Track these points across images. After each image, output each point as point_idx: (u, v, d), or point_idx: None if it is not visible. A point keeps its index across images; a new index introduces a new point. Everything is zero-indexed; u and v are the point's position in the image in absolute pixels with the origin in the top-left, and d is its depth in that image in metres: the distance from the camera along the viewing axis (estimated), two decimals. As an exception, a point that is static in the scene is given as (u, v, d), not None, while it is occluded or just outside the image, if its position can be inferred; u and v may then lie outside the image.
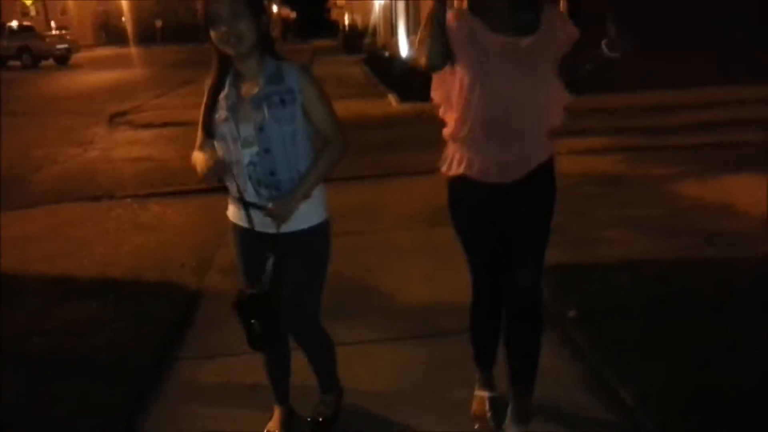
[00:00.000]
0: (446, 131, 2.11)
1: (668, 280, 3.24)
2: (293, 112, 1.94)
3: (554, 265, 3.46)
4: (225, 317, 2.54)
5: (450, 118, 2.07)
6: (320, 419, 2.32)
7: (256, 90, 1.93)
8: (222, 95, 1.96)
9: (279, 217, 1.95)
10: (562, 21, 2.03)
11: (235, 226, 2.10)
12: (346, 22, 37.47)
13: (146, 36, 40.95)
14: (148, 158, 7.46)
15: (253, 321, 1.95)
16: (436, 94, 2.11)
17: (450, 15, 1.94)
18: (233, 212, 2.10)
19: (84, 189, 6.13)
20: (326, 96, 2.02)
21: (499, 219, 2.13)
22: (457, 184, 2.12)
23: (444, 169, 2.15)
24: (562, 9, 9.58)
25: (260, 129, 1.92)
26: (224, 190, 2.08)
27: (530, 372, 2.24)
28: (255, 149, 1.93)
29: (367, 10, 31.83)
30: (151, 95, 13.23)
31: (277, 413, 2.33)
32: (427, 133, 8.53)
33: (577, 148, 6.29)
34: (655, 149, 6.38)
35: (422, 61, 1.90)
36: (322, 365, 2.33)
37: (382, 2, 26.36)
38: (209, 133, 1.99)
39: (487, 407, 2.34)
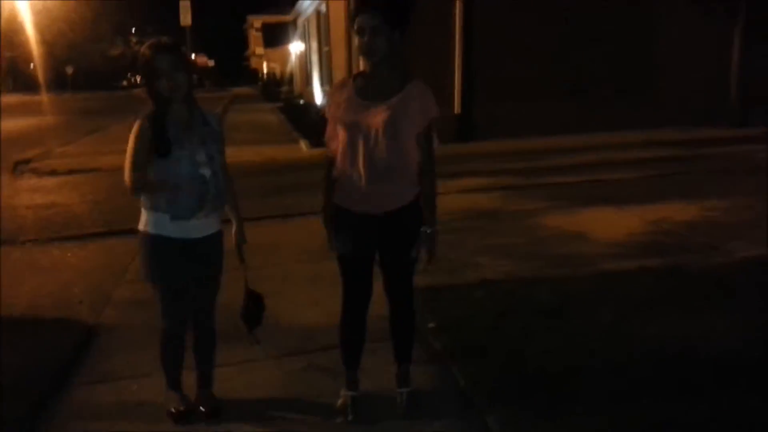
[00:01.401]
0: (334, 171, 2.57)
1: (513, 294, 3.82)
2: (220, 148, 2.63)
3: (426, 286, 3.98)
4: (119, 347, 2.82)
5: (336, 162, 2.55)
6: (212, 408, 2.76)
7: (195, 128, 2.53)
8: (168, 129, 2.47)
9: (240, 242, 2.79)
10: (421, 95, 2.48)
11: (161, 237, 2.53)
12: (265, 70, 38.07)
13: (56, 82, 39.95)
14: (51, 204, 7.50)
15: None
16: (330, 144, 2.59)
17: (335, 83, 2.46)
18: (165, 226, 2.52)
19: (-17, 235, 6.14)
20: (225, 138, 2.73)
21: (371, 243, 2.58)
22: (340, 212, 2.58)
23: (334, 200, 2.59)
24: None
25: (211, 157, 2.54)
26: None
27: (409, 350, 2.80)
28: (208, 171, 2.51)
29: (284, 60, 32.57)
30: (58, 143, 13.12)
31: (178, 396, 2.76)
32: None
33: (461, 187, 6.97)
34: (527, 188, 7.18)
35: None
36: (211, 360, 2.84)
37: (298, 52, 27.14)
38: (164, 152, 2.45)
39: (349, 402, 2.73)
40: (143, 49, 2.48)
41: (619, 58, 11.35)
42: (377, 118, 2.43)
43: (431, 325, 3.49)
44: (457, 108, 11.42)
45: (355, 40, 2.46)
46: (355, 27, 2.39)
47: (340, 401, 2.76)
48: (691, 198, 6.14)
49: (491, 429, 2.57)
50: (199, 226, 2.56)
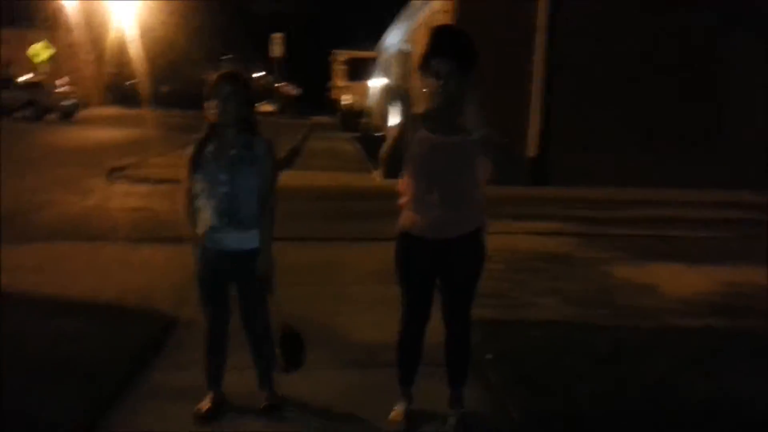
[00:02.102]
0: (400, 201, 2.77)
1: (571, 337, 3.87)
2: (256, 172, 2.77)
3: (487, 319, 4.08)
4: (194, 340, 3.06)
5: (403, 191, 2.74)
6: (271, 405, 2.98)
7: (232, 150, 2.74)
8: (208, 148, 2.76)
9: (265, 270, 2.84)
10: (476, 123, 2.65)
11: (203, 246, 2.83)
12: (345, 102, 39.21)
13: (152, 99, 42.49)
14: (142, 209, 8.07)
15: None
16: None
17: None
18: (206, 235, 2.80)
19: (80, 231, 6.70)
20: (278, 169, 2.93)
21: (433, 268, 2.75)
22: (404, 237, 2.76)
23: (397, 228, 2.79)
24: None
25: (233, 178, 2.73)
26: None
27: (463, 376, 2.93)
28: (226, 189, 2.73)
29: (364, 93, 33.47)
30: (151, 153, 13.94)
31: (211, 396, 2.96)
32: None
33: (531, 229, 7.02)
34: (598, 236, 7.11)
35: (383, 172, 2.70)
36: (270, 361, 3.01)
37: (378, 87, 27.88)
38: (197, 167, 2.76)
39: (402, 417, 2.87)
40: (212, 75, 2.75)
41: (700, 113, 11.16)
42: (447, 149, 2.61)
43: (488, 356, 3.58)
44: (532, 150, 11.45)
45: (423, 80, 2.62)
46: (430, 69, 2.56)
47: (393, 414, 2.90)
48: (763, 263, 5.96)
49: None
50: (231, 240, 2.78)
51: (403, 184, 2.74)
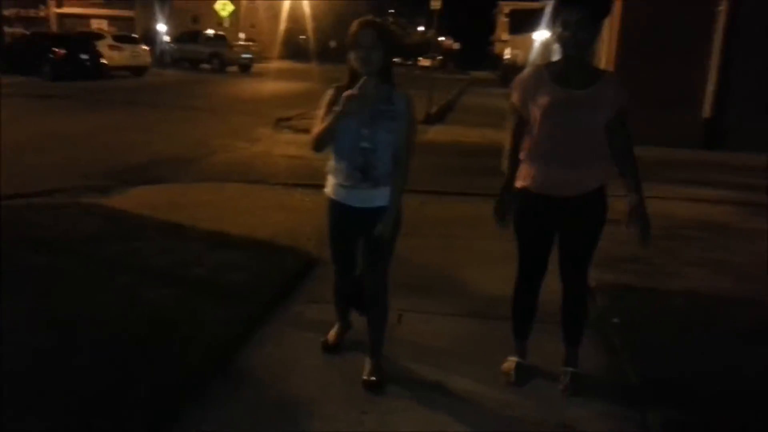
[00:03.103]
0: (521, 154, 2.74)
1: (713, 310, 3.61)
2: (395, 127, 2.62)
3: (622, 284, 3.95)
4: (331, 277, 3.32)
5: (525, 145, 2.71)
6: (374, 379, 2.82)
7: (374, 104, 2.57)
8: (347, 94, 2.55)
9: (386, 232, 2.69)
10: (615, 88, 2.58)
11: (333, 201, 2.76)
12: (507, 56, 38.06)
13: (321, 54, 44.49)
14: (301, 157, 8.64)
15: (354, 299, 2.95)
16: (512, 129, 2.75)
17: (526, 71, 2.70)
18: (335, 191, 2.73)
19: (245, 174, 7.40)
20: (416, 125, 2.76)
21: (551, 225, 2.73)
22: (523, 193, 2.74)
23: (517, 183, 2.77)
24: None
25: (375, 133, 2.60)
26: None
27: (577, 335, 2.90)
28: (367, 144, 2.60)
29: (528, 47, 32.23)
30: (315, 105, 14.68)
31: (338, 327, 3.18)
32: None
33: (692, 195, 6.50)
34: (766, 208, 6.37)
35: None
36: (380, 331, 2.89)
37: (543, 40, 26.68)
38: (332, 123, 2.60)
39: (513, 368, 2.93)
40: (353, 24, 2.59)
41: None
42: (575, 105, 2.53)
43: (615, 320, 3.48)
44: (707, 112, 10.43)
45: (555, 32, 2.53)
46: (560, 20, 2.47)
47: (505, 364, 2.96)
48: None
49: (649, 424, 2.58)
50: (364, 197, 2.67)
51: (524, 137, 2.70)
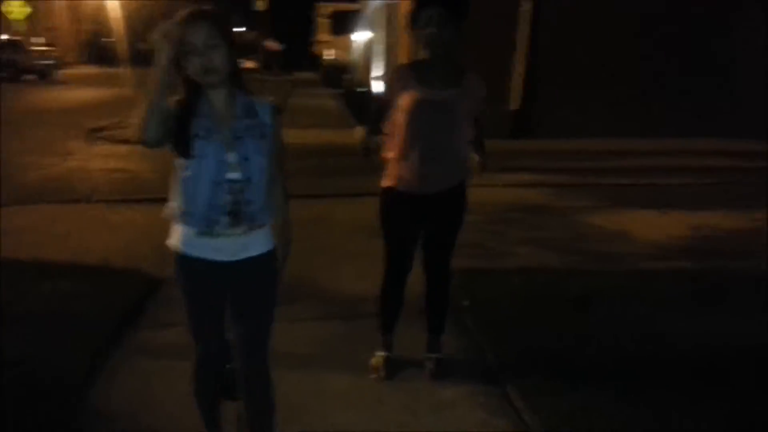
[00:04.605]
0: (385, 154, 2.80)
1: (547, 283, 3.99)
2: (268, 146, 2.00)
3: (464, 269, 4.19)
4: (178, 299, 3.14)
5: (389, 145, 2.77)
6: None
7: (232, 120, 1.96)
8: (197, 120, 1.93)
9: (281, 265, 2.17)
10: (476, 85, 2.71)
11: (188, 258, 2.03)
12: (329, 57, 38.57)
13: (131, 57, 41.58)
14: (123, 170, 8.04)
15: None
16: (385, 126, 2.80)
17: (394, 69, 2.71)
18: (187, 242, 2.02)
19: (63, 193, 6.69)
20: (283, 136, 2.11)
21: (417, 221, 2.83)
22: (389, 192, 2.80)
23: (383, 183, 2.82)
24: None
25: (245, 158, 1.94)
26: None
27: (441, 323, 3.05)
28: (238, 175, 1.94)
29: (348, 48, 32.92)
30: (130, 113, 13.73)
31: None
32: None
33: (510, 181, 7.11)
34: (578, 187, 7.25)
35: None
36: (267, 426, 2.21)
37: (363, 41, 27.44)
38: (185, 152, 1.92)
39: (382, 362, 3.00)
40: (178, 17, 1.89)
41: (692, 61, 11.13)
42: (439, 105, 2.61)
43: (465, 303, 3.70)
44: (513, 104, 11.42)
45: (415, 31, 2.60)
46: (420, 18, 2.53)
47: (374, 360, 3.02)
48: (740, 208, 6.11)
49: (511, 397, 2.80)
50: (235, 247, 2.02)
51: (388, 138, 2.76)
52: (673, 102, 10.97)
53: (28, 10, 27.95)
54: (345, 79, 28.44)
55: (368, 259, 4.53)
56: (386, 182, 2.81)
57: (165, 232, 2.07)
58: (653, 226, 5.53)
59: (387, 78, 2.79)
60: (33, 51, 28.20)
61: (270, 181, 2.05)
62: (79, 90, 21.51)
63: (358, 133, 2.87)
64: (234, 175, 1.95)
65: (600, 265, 4.47)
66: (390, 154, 2.77)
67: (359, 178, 7.68)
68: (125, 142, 10.36)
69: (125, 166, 8.35)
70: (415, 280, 3.02)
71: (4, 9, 27.46)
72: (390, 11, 19.64)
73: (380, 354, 3.04)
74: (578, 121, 10.41)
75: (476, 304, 3.69)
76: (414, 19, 2.58)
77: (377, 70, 21.95)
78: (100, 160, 8.83)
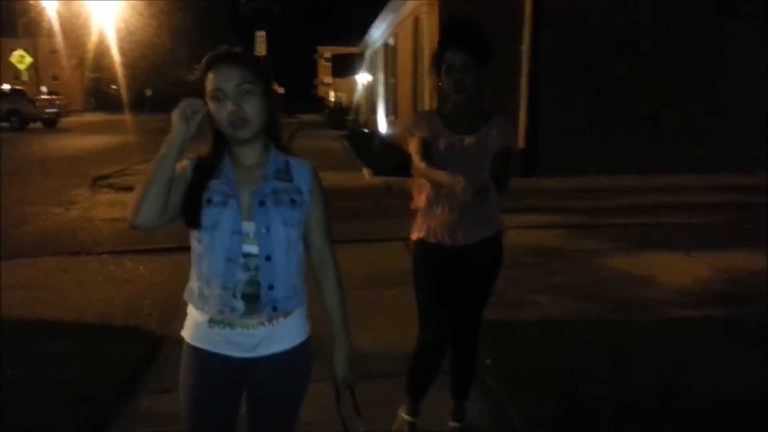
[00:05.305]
0: (413, 204, 2.61)
1: (570, 335, 3.75)
2: (300, 217, 1.67)
3: (485, 320, 3.96)
4: (179, 360, 2.93)
5: (416, 194, 2.59)
6: None
7: (260, 183, 1.64)
8: (214, 182, 1.63)
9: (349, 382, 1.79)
10: (501, 128, 2.54)
11: (197, 351, 1.68)
12: (332, 99, 39.05)
13: (136, 104, 42.15)
14: (126, 219, 7.89)
15: None
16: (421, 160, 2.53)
17: (421, 112, 2.56)
18: (198, 332, 1.68)
19: (64, 245, 6.53)
20: (328, 203, 1.77)
21: (451, 275, 2.55)
22: (420, 245, 2.59)
23: (413, 234, 2.62)
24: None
25: (266, 229, 1.60)
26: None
27: (467, 390, 2.80)
28: (255, 249, 1.61)
29: (351, 89, 33.32)
30: (136, 160, 13.73)
31: None
32: (392, 204, 9.20)
33: (523, 222, 6.91)
34: (591, 227, 7.05)
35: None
36: None
37: (365, 83, 27.73)
38: (193, 221, 1.62)
39: (407, 430, 2.74)
40: (206, 61, 1.64)
41: (689, 99, 11.14)
42: (466, 150, 2.46)
43: (487, 361, 3.47)
44: (521, 142, 11.36)
45: (433, 76, 2.48)
46: (444, 64, 2.41)
47: (397, 422, 2.77)
48: (758, 247, 5.90)
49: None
50: (250, 340, 1.65)
51: (417, 186, 2.58)
52: (679, 137, 10.94)
53: (29, 59, 28.42)
54: (348, 120, 28.71)
55: (377, 309, 4.34)
56: (416, 234, 2.61)
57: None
58: (678, 270, 5.31)
59: (410, 123, 2.59)
60: (38, 100, 28.57)
61: (300, 262, 1.68)
62: (83, 137, 21.65)
63: (450, 179, 2.36)
64: (250, 248, 1.60)
65: (625, 314, 4.24)
66: (418, 204, 2.59)
67: (364, 223, 7.60)
68: (129, 189, 10.32)
69: (129, 214, 8.21)
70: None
71: (13, 59, 27.92)
72: (388, 53, 19.85)
73: (405, 418, 2.78)
74: (581, 158, 10.41)
75: (498, 361, 3.46)
76: (437, 63, 2.46)
77: (379, 111, 22.07)
78: (104, 209, 8.71)
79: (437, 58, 2.45)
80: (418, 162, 2.42)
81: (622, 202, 8.68)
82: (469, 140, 2.48)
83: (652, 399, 3.04)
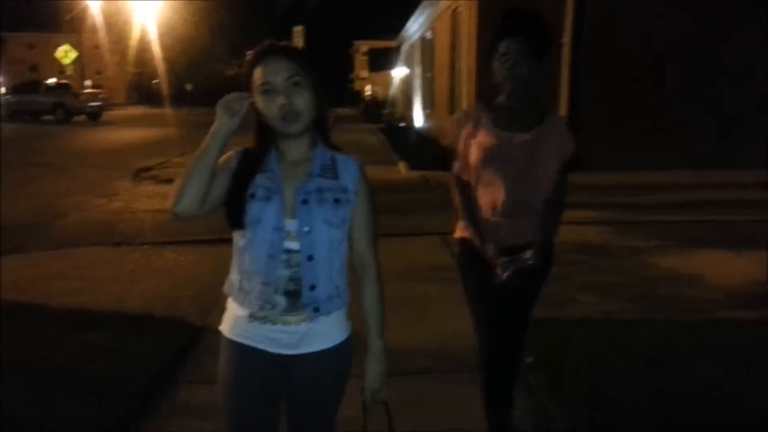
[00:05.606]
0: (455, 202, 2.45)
1: (613, 336, 3.64)
2: (345, 216, 1.63)
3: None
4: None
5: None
6: None
7: (304, 179, 1.61)
8: (259, 176, 1.60)
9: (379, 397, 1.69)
10: (559, 132, 2.36)
11: (236, 345, 1.66)
12: (368, 93, 39.03)
13: (176, 98, 42.85)
14: (167, 210, 7.99)
15: None
16: (462, 171, 2.42)
17: (465, 109, 2.45)
18: (238, 327, 1.65)
19: (106, 235, 6.65)
20: (375, 204, 1.71)
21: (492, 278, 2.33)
22: (464, 244, 2.45)
23: (456, 234, 2.50)
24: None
25: (308, 228, 1.57)
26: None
27: (511, 393, 2.55)
28: (296, 246, 1.57)
29: (387, 83, 33.23)
30: (176, 153, 13.92)
31: None
32: (429, 198, 9.09)
33: (567, 218, 6.70)
34: (637, 224, 6.82)
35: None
36: None
37: (401, 77, 27.61)
38: (235, 219, 1.58)
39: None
40: (253, 53, 1.61)
41: (739, 96, 10.71)
42: (517, 150, 2.31)
43: (529, 359, 3.38)
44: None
45: (490, 68, 2.31)
46: (498, 52, 2.25)
47: None
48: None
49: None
50: (291, 337, 1.62)
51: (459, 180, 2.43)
52: (724, 132, 10.55)
53: (75, 54, 29.12)
54: (384, 113, 28.63)
55: (411, 305, 4.26)
56: (458, 233, 2.49)
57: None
58: (727, 269, 5.10)
59: (454, 120, 2.46)
60: (82, 93, 29.28)
61: (343, 262, 1.64)
62: (126, 130, 22.11)
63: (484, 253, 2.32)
64: (292, 244, 1.58)
65: (672, 314, 4.07)
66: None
67: (399, 217, 7.52)
68: (170, 181, 10.47)
69: (169, 206, 8.32)
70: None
71: (57, 54, 28.68)
72: (425, 47, 19.69)
73: None
74: (626, 153, 10.12)
75: (540, 359, 3.36)
76: (491, 51, 2.29)
77: (416, 104, 21.93)
78: (145, 200, 8.84)
79: (491, 49, 2.30)
80: (453, 187, 2.40)
81: (669, 198, 8.41)
82: (519, 139, 2.32)
83: (695, 409, 2.89)
